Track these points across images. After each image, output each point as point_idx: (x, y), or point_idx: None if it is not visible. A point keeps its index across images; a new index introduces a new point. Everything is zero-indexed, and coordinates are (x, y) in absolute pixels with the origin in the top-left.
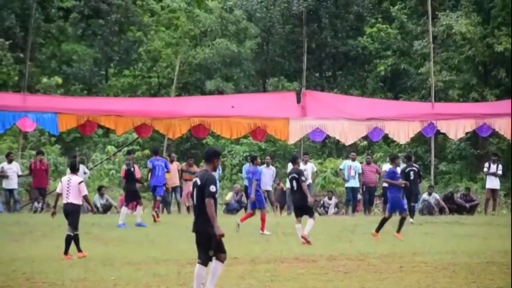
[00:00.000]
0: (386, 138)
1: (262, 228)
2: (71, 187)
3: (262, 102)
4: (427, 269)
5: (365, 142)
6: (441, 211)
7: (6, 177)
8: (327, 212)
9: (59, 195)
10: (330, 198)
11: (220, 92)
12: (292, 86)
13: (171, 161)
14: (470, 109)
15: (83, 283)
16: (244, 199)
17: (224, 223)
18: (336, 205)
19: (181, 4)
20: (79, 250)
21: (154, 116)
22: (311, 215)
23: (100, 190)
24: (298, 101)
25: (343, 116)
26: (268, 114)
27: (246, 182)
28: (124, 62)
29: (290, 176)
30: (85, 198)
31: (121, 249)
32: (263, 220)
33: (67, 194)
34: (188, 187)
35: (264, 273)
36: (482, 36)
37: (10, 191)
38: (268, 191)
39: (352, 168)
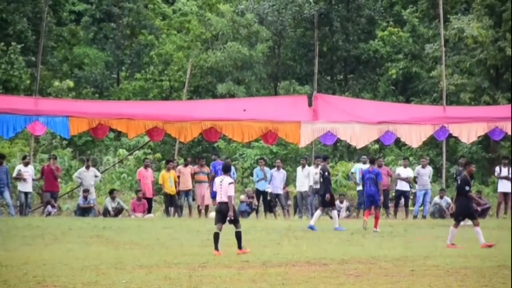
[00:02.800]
0: (397, 142)
1: (375, 226)
2: (223, 187)
3: (274, 106)
4: (438, 272)
5: (377, 146)
6: (453, 214)
7: (24, 179)
8: (338, 215)
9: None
10: (341, 202)
11: (232, 95)
12: (303, 89)
13: (186, 165)
14: (482, 113)
15: (95, 286)
16: (255, 201)
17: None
18: (348, 209)
19: (193, 7)
20: (240, 247)
21: (165, 120)
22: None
23: (111, 193)
24: (310, 104)
25: (355, 120)
26: (280, 118)
27: (257, 186)
28: (136, 65)
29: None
30: (229, 198)
31: (132, 253)
32: (376, 218)
33: (220, 193)
34: (200, 189)
35: (276, 276)
36: (493, 40)
37: (26, 194)
38: (278, 195)
39: (361, 172)
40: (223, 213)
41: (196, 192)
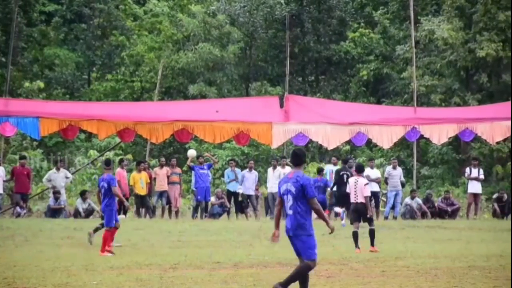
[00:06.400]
0: (368, 143)
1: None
2: (358, 187)
3: (245, 107)
4: (409, 273)
5: (348, 147)
6: (423, 215)
7: None
8: None
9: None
10: None
11: (203, 96)
12: (275, 90)
13: (161, 166)
14: (453, 114)
15: None
16: (227, 203)
17: (206, 227)
18: None
19: (164, 8)
20: (372, 244)
21: (137, 121)
22: None
23: (83, 194)
24: (281, 105)
25: (326, 121)
26: (251, 119)
27: (228, 187)
28: (107, 66)
29: None
30: (365, 198)
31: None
32: None
33: (355, 194)
34: (174, 190)
35: (247, 277)
36: (464, 41)
37: None
38: (250, 196)
39: (333, 173)
40: (359, 212)
41: (170, 193)
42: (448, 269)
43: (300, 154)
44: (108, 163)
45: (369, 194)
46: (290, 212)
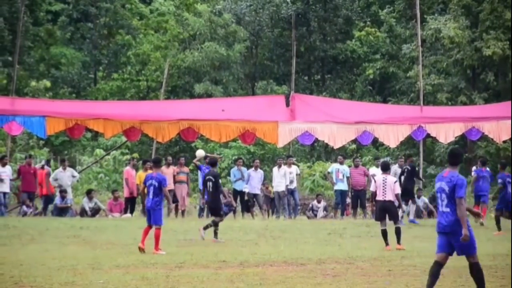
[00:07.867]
0: (375, 142)
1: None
2: (387, 185)
3: (251, 106)
4: (415, 272)
5: (354, 146)
6: (430, 214)
7: (1, 180)
8: (316, 215)
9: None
10: (319, 202)
11: (209, 95)
12: (281, 89)
13: (168, 165)
14: (459, 113)
15: (72, 286)
16: (233, 202)
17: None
18: (325, 209)
19: (170, 7)
20: (398, 242)
21: (142, 120)
22: None
23: (89, 193)
24: (287, 104)
25: (332, 120)
26: (257, 118)
27: (234, 186)
28: (113, 65)
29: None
30: (396, 196)
31: (109, 253)
32: (483, 213)
33: (383, 192)
34: (180, 189)
35: (253, 276)
36: (470, 40)
37: (3, 194)
38: (256, 195)
39: (340, 172)
40: (386, 210)
41: (176, 192)
42: (454, 268)
43: (458, 154)
44: (157, 161)
45: (399, 191)
46: (446, 209)
